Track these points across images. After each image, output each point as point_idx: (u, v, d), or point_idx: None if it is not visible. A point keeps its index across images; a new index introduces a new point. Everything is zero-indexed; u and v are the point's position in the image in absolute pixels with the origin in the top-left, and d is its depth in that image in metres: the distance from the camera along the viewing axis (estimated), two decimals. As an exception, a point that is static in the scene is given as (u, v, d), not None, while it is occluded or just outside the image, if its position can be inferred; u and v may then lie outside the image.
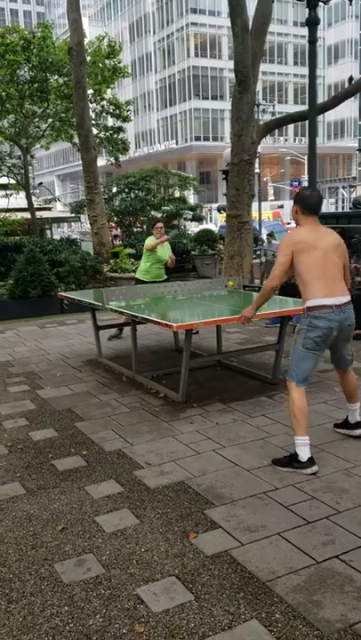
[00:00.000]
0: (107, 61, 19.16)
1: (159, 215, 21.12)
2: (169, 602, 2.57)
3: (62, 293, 7.96)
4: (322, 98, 37.03)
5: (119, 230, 21.88)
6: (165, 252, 7.93)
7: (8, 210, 20.45)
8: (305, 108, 10.83)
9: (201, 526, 3.17)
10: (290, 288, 8.10)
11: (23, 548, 3.05)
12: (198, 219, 23.21)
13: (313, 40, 8.15)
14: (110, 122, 21.96)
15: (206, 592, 2.62)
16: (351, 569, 2.73)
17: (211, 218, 46.50)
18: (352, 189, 48.74)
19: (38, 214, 22.02)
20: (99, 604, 2.58)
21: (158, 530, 3.16)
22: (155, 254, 7.82)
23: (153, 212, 20.98)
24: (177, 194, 22.59)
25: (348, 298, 3.88)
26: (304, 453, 3.76)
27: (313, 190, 4.14)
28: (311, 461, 3.76)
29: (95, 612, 2.53)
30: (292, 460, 3.80)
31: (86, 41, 16.17)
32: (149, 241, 7.80)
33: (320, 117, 23.48)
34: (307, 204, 3.92)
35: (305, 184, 32.01)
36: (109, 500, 3.53)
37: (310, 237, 3.86)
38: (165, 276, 8.18)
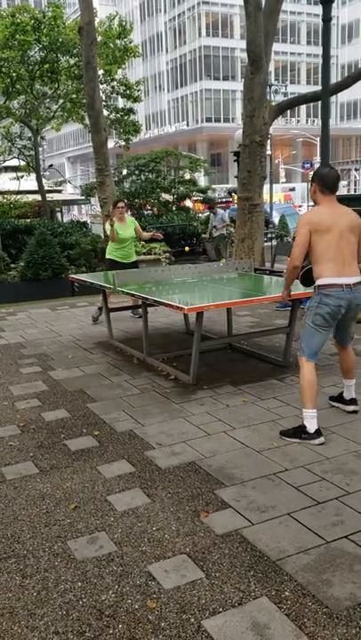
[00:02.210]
0: (117, 41, 19.00)
1: (169, 198, 21.03)
2: (180, 579, 2.61)
3: (73, 276, 7.99)
4: (335, 78, 36.51)
5: (129, 213, 21.82)
6: (128, 230, 7.91)
7: (19, 192, 20.45)
8: (318, 88, 10.70)
9: (212, 506, 3.21)
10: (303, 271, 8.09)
11: (37, 526, 3.11)
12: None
13: (327, 18, 8.01)
14: (121, 103, 21.81)
15: (217, 570, 2.66)
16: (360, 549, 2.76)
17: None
18: (365, 171, 48.27)
19: (49, 197, 22.00)
20: (111, 580, 2.63)
21: (169, 509, 3.20)
22: (117, 235, 7.86)
23: (163, 195, 20.90)
24: (187, 176, 22.47)
25: (359, 278, 3.93)
26: (312, 425, 3.90)
27: (331, 168, 4.17)
28: (318, 433, 3.90)
29: (108, 588, 2.58)
30: (299, 432, 3.94)
31: (97, 20, 16.01)
32: (107, 228, 7.94)
33: (333, 98, 23.19)
34: (325, 182, 3.95)
35: (317, 166, 31.73)
36: (121, 479, 3.58)
37: (328, 217, 3.89)
38: (135, 258, 8.20)
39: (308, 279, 4.13)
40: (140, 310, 8.02)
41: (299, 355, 4.07)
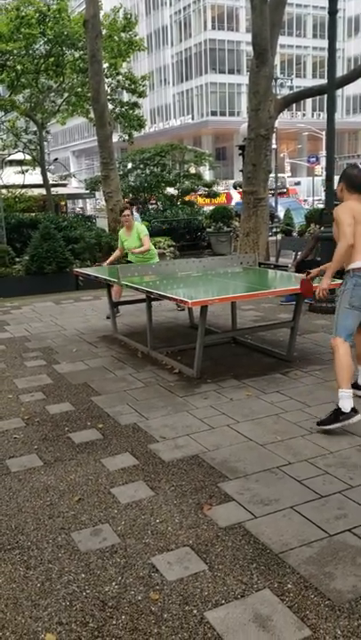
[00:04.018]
0: (122, 34, 18.91)
1: (174, 191, 20.98)
2: (183, 571, 2.62)
3: (78, 269, 8.00)
4: (341, 71, 36.30)
5: (134, 207, 21.78)
6: (132, 240, 7.79)
7: (24, 186, 20.44)
8: (324, 81, 10.63)
9: (215, 499, 3.22)
10: (307, 266, 8.08)
11: (41, 518, 3.13)
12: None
13: (333, 11, 7.93)
14: (125, 97, 21.75)
15: (220, 562, 2.67)
16: (363, 542, 2.77)
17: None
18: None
19: (54, 190, 21.99)
20: (114, 571, 2.65)
21: (173, 502, 3.21)
22: (122, 244, 7.94)
23: (168, 189, 20.86)
24: (192, 170, 22.42)
25: None
26: (348, 404, 3.99)
27: (359, 170, 4.47)
28: (355, 410, 4.00)
29: (111, 580, 2.59)
30: (337, 415, 4.00)
31: (102, 13, 15.95)
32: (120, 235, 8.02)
33: (339, 92, 23.05)
34: (352, 182, 4.27)
35: (323, 160, 31.56)
36: (125, 472, 3.59)
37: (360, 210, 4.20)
38: (155, 259, 7.99)
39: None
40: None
41: (333, 337, 4.19)
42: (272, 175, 20.14)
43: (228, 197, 29.63)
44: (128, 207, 8.27)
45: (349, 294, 4.14)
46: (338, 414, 4.00)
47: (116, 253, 8.20)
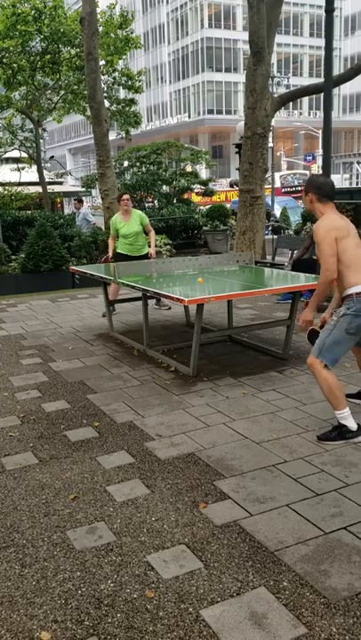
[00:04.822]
0: (119, 32, 18.87)
1: (170, 190, 20.94)
2: (179, 569, 2.62)
3: (74, 267, 7.98)
4: (338, 70, 36.34)
5: (131, 205, 21.72)
6: (132, 225, 7.79)
7: (20, 184, 20.39)
8: (320, 80, 10.64)
9: (211, 497, 3.22)
10: (303, 264, 8.09)
11: (36, 516, 3.12)
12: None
13: (330, 9, 7.93)
14: (122, 94, 21.72)
15: (215, 560, 2.67)
16: (359, 540, 2.77)
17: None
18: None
19: (50, 188, 21.94)
20: (110, 569, 2.64)
21: (168, 500, 3.21)
22: (120, 232, 7.84)
23: (164, 187, 20.82)
24: (189, 168, 22.38)
25: None
26: (352, 423, 3.84)
27: (326, 177, 4.14)
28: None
29: (107, 578, 2.59)
30: (341, 434, 3.84)
31: (98, 10, 15.91)
32: (115, 221, 7.90)
33: (335, 90, 23.07)
34: (324, 191, 3.86)
35: (319, 159, 31.54)
36: (120, 470, 3.59)
37: (344, 222, 3.81)
38: (145, 250, 7.96)
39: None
40: (166, 300, 8.00)
41: (315, 358, 3.82)
42: (283, 172, 20.08)
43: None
44: (126, 192, 8.28)
45: (349, 320, 3.73)
46: (343, 432, 3.84)
47: (111, 243, 8.10)
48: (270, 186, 26.82)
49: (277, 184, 31.63)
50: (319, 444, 3.81)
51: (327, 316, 4.09)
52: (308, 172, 42.33)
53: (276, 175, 34.20)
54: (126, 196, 7.83)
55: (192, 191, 21.96)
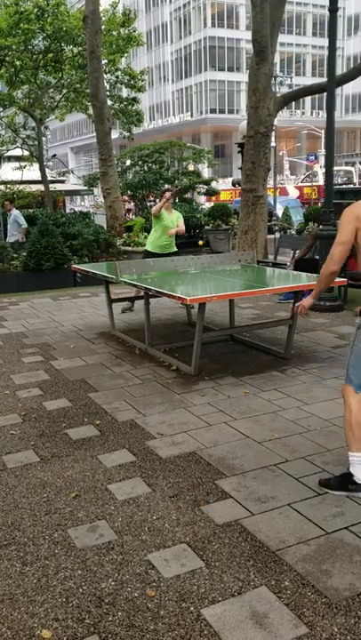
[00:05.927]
0: (121, 30, 18.84)
1: (173, 187, 20.92)
2: (180, 568, 2.61)
3: (76, 266, 7.97)
4: (341, 70, 36.23)
5: (132, 204, 21.72)
6: (174, 220, 7.88)
7: (22, 182, 20.36)
8: (323, 80, 10.62)
9: (212, 496, 3.21)
10: (305, 264, 8.08)
11: (37, 514, 3.12)
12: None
13: (334, 9, 7.90)
14: (125, 93, 21.70)
15: (217, 559, 2.67)
16: (360, 540, 2.77)
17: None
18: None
19: (52, 187, 21.91)
20: (111, 568, 2.64)
21: (170, 498, 3.20)
22: (160, 222, 7.79)
23: (166, 186, 20.78)
24: (191, 167, 22.36)
25: None
26: (360, 473, 3.18)
27: None
28: None
29: (108, 576, 2.58)
30: (346, 482, 3.21)
31: (101, 9, 15.88)
32: (155, 208, 7.83)
33: (338, 90, 23.00)
34: None
35: (322, 159, 31.54)
36: (122, 468, 3.58)
37: None
38: (175, 248, 8.08)
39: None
40: (128, 303, 8.05)
41: (344, 385, 3.29)
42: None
43: (284, 191, 29.70)
44: (169, 189, 8.46)
45: None
46: (348, 482, 3.20)
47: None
48: (285, 185, 26.82)
49: (320, 181, 31.28)
50: (320, 444, 3.80)
51: (305, 303, 3.74)
52: (352, 169, 42.25)
53: (320, 172, 33.84)
54: (168, 194, 7.90)
55: (194, 190, 21.93)
